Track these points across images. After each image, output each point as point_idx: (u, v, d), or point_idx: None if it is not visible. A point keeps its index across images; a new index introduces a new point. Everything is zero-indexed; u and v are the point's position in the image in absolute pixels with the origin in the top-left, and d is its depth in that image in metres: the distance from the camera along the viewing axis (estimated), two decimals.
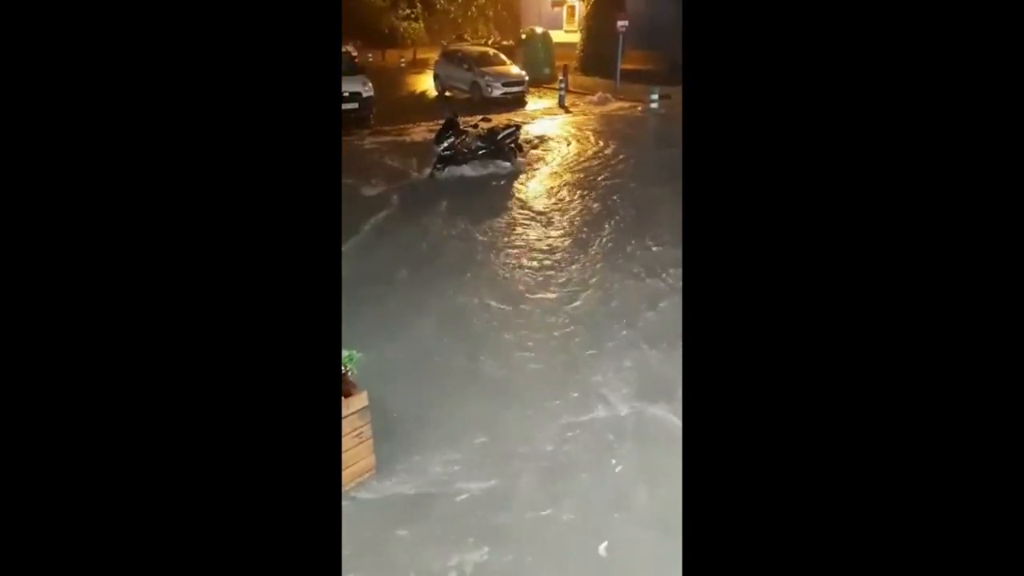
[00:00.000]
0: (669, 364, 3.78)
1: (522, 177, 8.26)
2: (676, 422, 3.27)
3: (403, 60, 22.67)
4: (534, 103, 14.34)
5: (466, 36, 23.01)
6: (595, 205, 6.99)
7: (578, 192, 7.50)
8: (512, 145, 8.70)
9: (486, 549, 2.50)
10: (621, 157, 9.16)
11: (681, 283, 4.65)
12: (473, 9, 21.83)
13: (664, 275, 5.04)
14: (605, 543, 2.54)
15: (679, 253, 5.40)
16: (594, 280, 5.01)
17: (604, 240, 5.89)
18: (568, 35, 20.41)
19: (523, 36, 18.11)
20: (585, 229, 6.20)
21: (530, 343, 4.08)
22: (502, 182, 8.04)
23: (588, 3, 17.97)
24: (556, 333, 4.20)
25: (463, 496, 2.79)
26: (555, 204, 7.08)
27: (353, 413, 2.64)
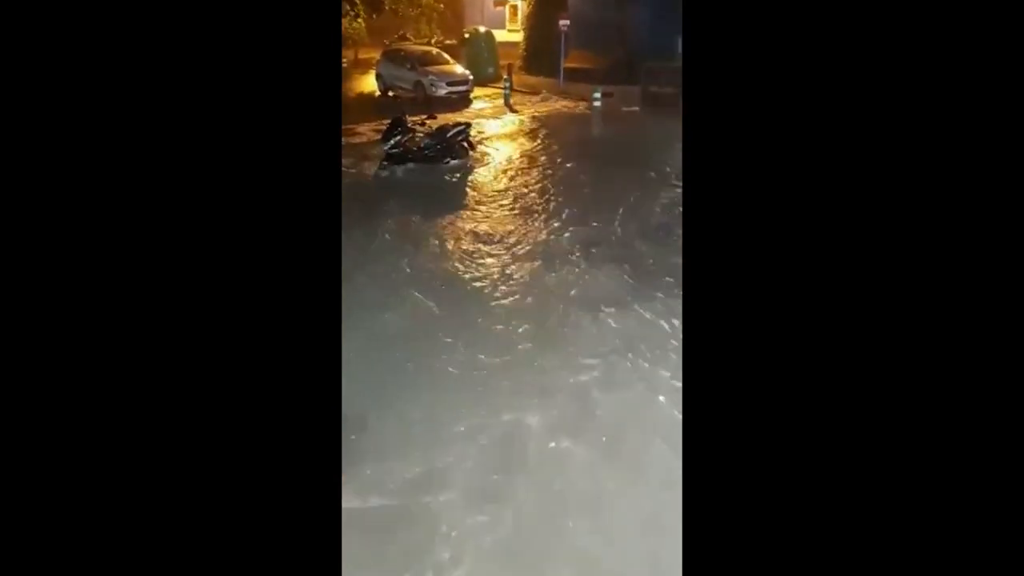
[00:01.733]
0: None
1: (473, 174, 8.28)
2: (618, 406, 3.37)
3: (345, 60, 22.28)
4: (480, 102, 14.36)
5: (409, 36, 22.78)
6: (543, 198, 7.08)
7: (528, 187, 7.58)
8: (463, 143, 8.71)
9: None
10: (567, 153, 9.30)
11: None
12: (418, 8, 21.64)
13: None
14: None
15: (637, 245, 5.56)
16: (538, 264, 5.10)
17: (554, 233, 5.99)
18: (511, 34, 20.52)
19: (466, 35, 18.09)
20: (536, 223, 6.28)
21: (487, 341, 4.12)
22: (454, 179, 8.04)
23: (530, 2, 18.11)
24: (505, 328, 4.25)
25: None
26: (505, 199, 7.14)
27: None
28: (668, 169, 8.01)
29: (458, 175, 8.18)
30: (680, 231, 6.01)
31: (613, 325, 4.23)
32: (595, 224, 6.21)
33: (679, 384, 3.58)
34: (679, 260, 4.69)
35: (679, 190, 7.40)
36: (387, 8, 21.62)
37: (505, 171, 8.36)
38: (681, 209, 6.47)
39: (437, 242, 5.81)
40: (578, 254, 5.45)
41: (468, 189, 7.69)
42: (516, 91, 14.76)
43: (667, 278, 4.85)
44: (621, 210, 6.53)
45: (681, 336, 4.11)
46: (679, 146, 10.04)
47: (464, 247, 5.71)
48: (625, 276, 4.97)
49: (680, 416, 3.26)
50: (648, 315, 4.34)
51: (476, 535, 2.53)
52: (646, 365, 3.76)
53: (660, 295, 4.61)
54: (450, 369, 3.74)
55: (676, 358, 3.77)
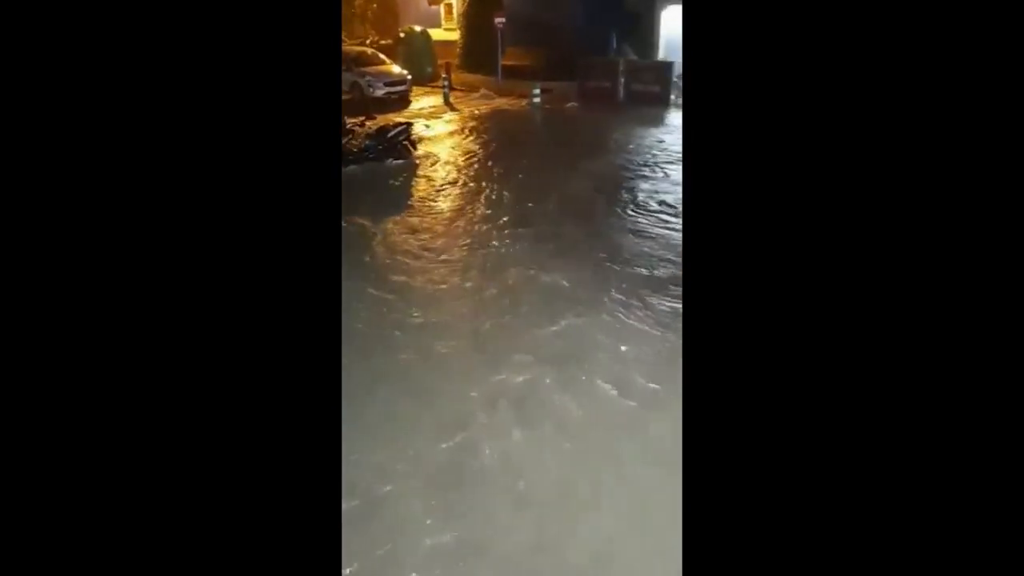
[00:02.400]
0: None
1: (415, 173, 8.26)
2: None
3: None
4: (419, 102, 14.28)
5: (343, 37, 22.39)
6: (487, 193, 7.16)
7: (469, 182, 7.63)
8: (404, 142, 8.67)
9: None
10: (507, 149, 9.39)
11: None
12: (352, 8, 21.23)
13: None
14: None
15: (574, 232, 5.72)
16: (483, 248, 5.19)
17: (490, 220, 6.08)
18: (447, 33, 20.42)
19: (402, 35, 17.91)
20: (476, 222, 6.35)
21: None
22: (398, 181, 8.01)
23: (464, 1, 18.09)
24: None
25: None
26: (449, 196, 7.18)
27: None
28: (606, 159, 8.22)
29: (402, 175, 8.15)
30: (601, 209, 6.52)
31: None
32: (529, 204, 6.69)
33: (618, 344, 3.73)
34: (599, 237, 5.79)
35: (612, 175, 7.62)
36: None
37: (447, 169, 8.38)
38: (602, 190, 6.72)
39: (383, 237, 5.82)
40: (508, 239, 5.64)
41: (412, 188, 7.67)
42: (455, 89, 14.74)
43: (585, 249, 5.05)
44: (554, 196, 6.86)
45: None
46: (615, 136, 10.31)
47: (410, 242, 5.75)
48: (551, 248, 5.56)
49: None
50: (565, 282, 4.92)
51: None
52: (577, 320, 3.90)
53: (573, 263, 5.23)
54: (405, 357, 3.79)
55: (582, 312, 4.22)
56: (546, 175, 7.90)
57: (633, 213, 6.52)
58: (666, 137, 10.09)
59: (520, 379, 3.67)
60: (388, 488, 2.83)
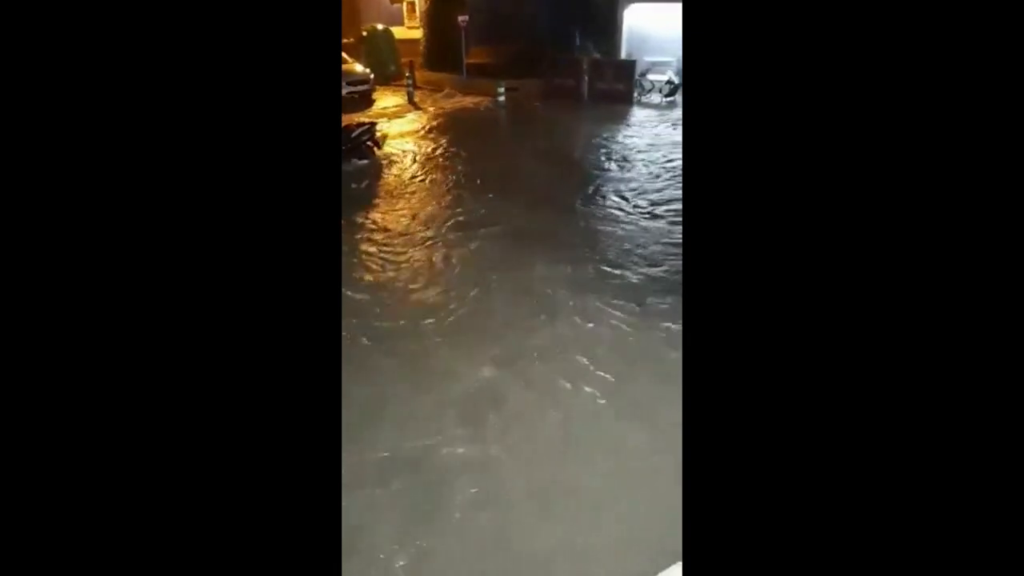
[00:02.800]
0: None
1: (381, 173, 8.17)
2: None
3: None
4: (383, 101, 14.13)
5: None
6: (454, 192, 7.12)
7: (437, 183, 7.58)
8: (368, 142, 8.57)
9: None
10: (475, 147, 9.35)
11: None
12: None
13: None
14: None
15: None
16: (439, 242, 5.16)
17: (455, 219, 6.05)
18: (410, 31, 20.25)
19: (364, 34, 17.70)
20: (441, 221, 6.31)
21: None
22: (363, 184, 7.90)
23: None
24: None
25: None
26: (415, 195, 7.11)
27: None
28: (573, 156, 8.26)
29: (366, 176, 8.05)
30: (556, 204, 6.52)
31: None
32: (490, 196, 6.75)
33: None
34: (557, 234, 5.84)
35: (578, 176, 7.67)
36: None
37: (412, 169, 8.31)
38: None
39: (347, 237, 5.74)
40: (474, 238, 5.62)
41: (376, 188, 7.59)
42: (419, 88, 14.63)
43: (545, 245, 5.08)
44: (522, 195, 6.84)
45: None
46: (582, 133, 10.42)
47: (377, 240, 5.69)
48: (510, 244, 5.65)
49: None
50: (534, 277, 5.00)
51: None
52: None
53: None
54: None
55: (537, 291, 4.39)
56: (513, 172, 7.91)
57: (601, 207, 6.60)
58: (631, 134, 10.20)
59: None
60: None
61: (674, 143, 9.37)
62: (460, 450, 3.09)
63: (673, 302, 4.46)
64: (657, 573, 1.51)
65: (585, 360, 3.79)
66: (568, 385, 3.58)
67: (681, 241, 5.39)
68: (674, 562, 1.43)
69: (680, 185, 7.34)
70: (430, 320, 4.37)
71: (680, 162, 8.43)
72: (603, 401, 3.45)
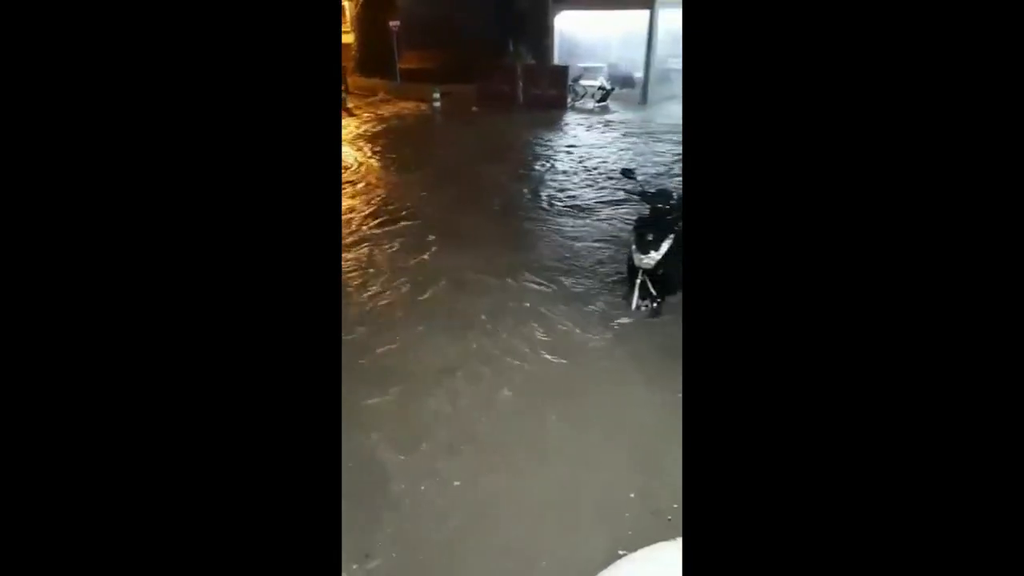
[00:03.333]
0: None
1: None
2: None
3: None
4: None
5: None
6: (394, 199, 7.10)
7: (376, 189, 7.53)
8: None
9: None
10: (412, 153, 9.34)
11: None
12: None
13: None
14: None
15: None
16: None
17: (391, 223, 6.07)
18: (342, 36, 19.95)
19: None
20: (379, 226, 6.30)
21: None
22: None
23: (357, 3, 17.74)
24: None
25: None
26: (353, 199, 7.06)
27: None
28: (509, 160, 8.38)
29: None
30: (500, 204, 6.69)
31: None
32: (425, 195, 6.72)
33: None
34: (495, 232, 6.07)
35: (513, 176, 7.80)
36: None
37: (347, 175, 8.21)
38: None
39: None
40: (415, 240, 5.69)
41: None
42: (353, 94, 14.47)
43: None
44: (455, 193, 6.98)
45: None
46: (519, 138, 10.52)
47: None
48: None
49: None
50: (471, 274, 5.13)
51: None
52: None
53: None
54: None
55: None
56: (450, 177, 7.94)
57: (536, 208, 6.75)
58: (563, 138, 10.43)
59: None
60: None
61: (600, 144, 9.83)
62: None
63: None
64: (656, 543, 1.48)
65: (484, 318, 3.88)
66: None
67: (575, 233, 6.06)
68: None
69: (593, 183, 7.79)
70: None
71: (599, 161, 8.85)
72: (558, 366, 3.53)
